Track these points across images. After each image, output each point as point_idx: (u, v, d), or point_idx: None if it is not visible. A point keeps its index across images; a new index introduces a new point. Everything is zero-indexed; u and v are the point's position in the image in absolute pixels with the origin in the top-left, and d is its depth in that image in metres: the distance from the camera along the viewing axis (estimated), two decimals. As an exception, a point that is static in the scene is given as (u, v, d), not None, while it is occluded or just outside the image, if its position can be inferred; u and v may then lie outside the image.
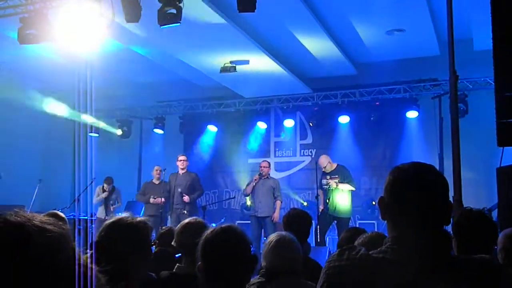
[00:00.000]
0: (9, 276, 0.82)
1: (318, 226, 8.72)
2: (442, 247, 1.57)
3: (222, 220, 9.92)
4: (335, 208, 8.88)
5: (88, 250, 2.30)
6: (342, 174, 9.04)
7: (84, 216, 9.63)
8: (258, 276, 2.99)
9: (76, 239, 0.98)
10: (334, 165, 9.19)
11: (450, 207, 1.62)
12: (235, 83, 10.72)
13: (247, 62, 9.30)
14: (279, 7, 7.51)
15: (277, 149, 11.88)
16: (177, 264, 2.97)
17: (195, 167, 10.61)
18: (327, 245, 8.75)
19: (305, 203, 10.92)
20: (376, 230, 7.54)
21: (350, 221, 9.32)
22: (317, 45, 9.08)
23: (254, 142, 11.85)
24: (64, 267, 0.87)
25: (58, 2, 6.86)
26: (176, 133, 12.31)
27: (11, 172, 10.16)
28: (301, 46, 9.06)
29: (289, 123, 11.47)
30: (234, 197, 11.54)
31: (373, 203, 10.17)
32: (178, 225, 3.36)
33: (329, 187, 8.96)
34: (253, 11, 6.10)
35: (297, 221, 4.23)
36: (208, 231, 2.27)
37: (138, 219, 2.40)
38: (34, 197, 9.58)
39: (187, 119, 12.23)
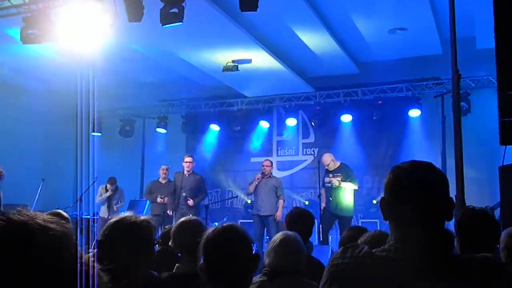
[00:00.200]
0: (12, 274, 0.82)
1: (320, 225, 8.72)
2: (443, 247, 1.57)
3: (225, 219, 9.93)
4: (337, 206, 8.89)
5: (90, 249, 2.31)
6: (345, 173, 9.05)
7: (86, 215, 9.64)
8: (260, 274, 2.99)
9: (78, 238, 0.98)
10: (337, 163, 9.21)
11: (451, 204, 1.62)
12: (237, 82, 10.72)
13: (249, 61, 9.31)
14: (281, 6, 7.51)
15: (279, 148, 11.89)
16: (177, 264, 2.96)
17: (198, 166, 10.61)
18: (329, 244, 8.75)
19: (306, 202, 10.93)
20: (378, 228, 7.53)
21: (353, 220, 9.33)
22: (319, 44, 9.07)
23: (256, 141, 11.86)
24: (66, 266, 0.88)
25: (61, 2, 6.85)
26: (178, 132, 12.33)
27: (14, 171, 10.17)
28: (304, 45, 9.06)
29: (291, 122, 11.47)
30: (237, 196, 11.55)
31: (374, 201, 10.17)
32: (174, 225, 3.34)
33: (332, 185, 8.97)
34: (255, 10, 6.09)
35: (299, 220, 4.23)
36: (210, 230, 2.27)
37: (141, 218, 2.41)
38: (37, 196, 9.60)
39: (189, 118, 12.25)
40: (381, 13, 7.91)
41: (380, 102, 10.54)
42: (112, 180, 10.40)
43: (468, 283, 1.49)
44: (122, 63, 9.83)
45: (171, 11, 6.33)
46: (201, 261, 2.20)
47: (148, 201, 10.10)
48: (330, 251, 7.28)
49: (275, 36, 8.88)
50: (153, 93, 11.83)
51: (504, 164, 5.57)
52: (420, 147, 9.95)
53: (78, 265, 0.88)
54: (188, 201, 9.29)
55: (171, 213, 9.42)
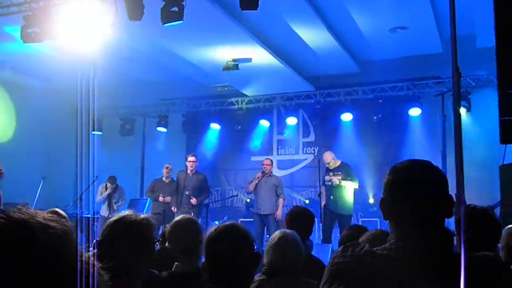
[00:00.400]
0: (13, 272, 0.82)
1: (321, 224, 8.73)
2: (443, 246, 1.57)
3: (225, 218, 9.94)
4: (337, 204, 8.90)
5: (91, 249, 2.31)
6: (346, 172, 9.06)
7: (87, 214, 9.65)
8: (259, 273, 2.99)
9: (78, 236, 0.98)
10: (338, 162, 9.22)
11: (451, 201, 1.62)
12: (238, 81, 10.72)
13: (249, 60, 9.31)
14: (282, 4, 7.50)
15: (279, 147, 11.89)
16: (176, 263, 2.96)
17: (198, 165, 10.61)
18: (332, 242, 8.75)
19: (307, 201, 10.93)
20: (379, 227, 7.53)
21: (353, 219, 9.33)
22: (319, 43, 9.06)
23: (257, 140, 11.86)
24: (67, 264, 0.88)
25: (61, 0, 6.86)
26: (179, 131, 12.33)
27: (15, 169, 10.18)
28: (304, 44, 9.05)
29: (291, 121, 11.47)
30: (237, 195, 11.56)
31: (371, 201, 10.20)
32: (169, 226, 3.33)
33: (332, 183, 8.97)
34: (256, 9, 6.09)
35: (299, 218, 4.24)
36: (212, 229, 2.27)
37: (142, 216, 2.41)
38: (37, 195, 9.61)
39: (190, 117, 12.25)
40: (381, 12, 7.91)
41: (380, 101, 10.53)
42: (112, 179, 10.41)
43: (468, 281, 1.49)
44: (122, 61, 9.84)
45: (172, 9, 6.33)
46: (203, 261, 2.20)
47: (148, 200, 10.11)
48: (330, 249, 7.29)
49: (275, 35, 8.87)
50: (154, 92, 11.83)
51: (504, 163, 5.58)
52: (420, 146, 9.95)
53: (79, 263, 0.88)
54: (191, 200, 9.30)
55: (175, 210, 9.40)
